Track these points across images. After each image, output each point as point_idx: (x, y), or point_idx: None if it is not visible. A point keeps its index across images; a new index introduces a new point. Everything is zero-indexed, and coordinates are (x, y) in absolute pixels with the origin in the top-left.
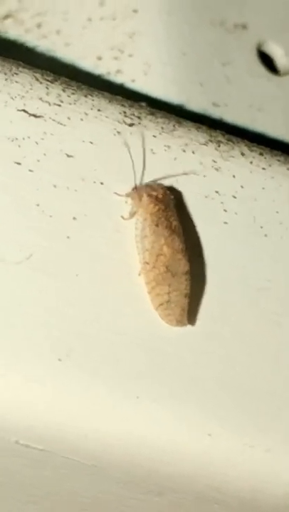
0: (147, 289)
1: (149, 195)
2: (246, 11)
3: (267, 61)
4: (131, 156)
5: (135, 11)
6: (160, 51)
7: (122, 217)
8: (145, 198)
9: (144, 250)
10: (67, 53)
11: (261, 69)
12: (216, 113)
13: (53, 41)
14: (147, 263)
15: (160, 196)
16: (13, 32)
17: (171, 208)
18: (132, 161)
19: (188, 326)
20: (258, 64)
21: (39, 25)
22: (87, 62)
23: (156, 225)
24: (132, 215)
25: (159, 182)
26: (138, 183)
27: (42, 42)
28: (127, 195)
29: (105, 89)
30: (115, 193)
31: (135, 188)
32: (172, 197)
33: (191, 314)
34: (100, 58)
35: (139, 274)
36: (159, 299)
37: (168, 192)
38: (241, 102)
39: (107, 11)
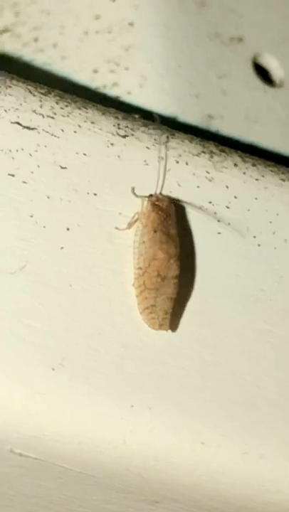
0: (136, 293)
1: (153, 204)
2: (242, 24)
3: (262, 73)
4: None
5: (131, 24)
6: (156, 64)
7: (117, 228)
8: (149, 206)
9: (139, 255)
10: (63, 67)
11: (257, 81)
12: (212, 125)
13: (49, 55)
14: (140, 268)
15: (164, 207)
16: (11, 46)
17: (171, 218)
18: (159, 172)
19: (184, 336)
20: (254, 76)
21: (36, 39)
22: (83, 76)
23: (155, 232)
24: (131, 225)
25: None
26: (154, 192)
27: (39, 56)
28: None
29: (102, 102)
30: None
31: (151, 195)
32: (174, 208)
33: (173, 320)
34: (96, 71)
35: (133, 285)
36: (145, 302)
37: (172, 203)
38: (237, 114)
39: (103, 24)
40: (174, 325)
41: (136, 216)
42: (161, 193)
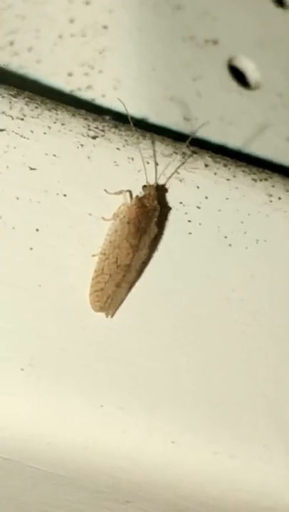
0: (92, 276)
1: (138, 199)
2: (217, 27)
3: (239, 76)
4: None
5: (105, 27)
6: (130, 67)
7: (103, 218)
8: (134, 200)
9: (108, 242)
10: (38, 70)
11: (232, 83)
12: (187, 128)
13: (25, 58)
14: (104, 254)
15: (147, 204)
16: None
17: (150, 215)
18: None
19: (155, 336)
20: (229, 78)
21: (11, 43)
22: (58, 79)
23: (128, 223)
24: (115, 216)
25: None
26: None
27: (14, 59)
28: (119, 192)
29: (76, 105)
30: (105, 190)
31: (145, 186)
32: (158, 208)
33: (114, 306)
34: (70, 74)
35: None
36: (96, 286)
37: (156, 203)
38: (212, 117)
39: (77, 28)
40: (112, 311)
41: (121, 207)
42: (153, 186)
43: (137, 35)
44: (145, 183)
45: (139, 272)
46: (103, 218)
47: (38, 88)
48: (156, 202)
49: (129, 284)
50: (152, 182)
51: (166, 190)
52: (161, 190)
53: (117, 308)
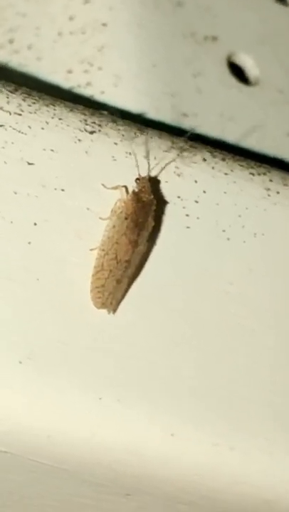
0: (92, 272)
1: (134, 193)
2: (216, 23)
3: (238, 72)
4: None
5: (104, 25)
6: (130, 63)
7: (101, 218)
8: (130, 194)
9: (107, 238)
10: (39, 68)
11: (232, 79)
12: (186, 123)
13: (25, 56)
14: (103, 250)
15: (144, 198)
16: None
17: (147, 210)
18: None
19: (154, 329)
20: (229, 74)
21: (11, 41)
22: (58, 76)
23: (126, 219)
24: (113, 213)
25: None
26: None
27: (14, 57)
28: (115, 187)
29: (76, 102)
30: (102, 184)
31: (138, 179)
32: (154, 201)
33: (115, 302)
34: (70, 72)
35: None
36: (97, 282)
37: (152, 197)
38: (212, 112)
39: (76, 25)
40: (114, 307)
41: (117, 203)
42: (146, 179)
43: (136, 32)
44: (138, 176)
45: (139, 267)
46: (101, 218)
47: (38, 85)
48: (152, 195)
49: (130, 280)
50: (144, 174)
51: (160, 183)
52: (156, 183)
53: (119, 303)
